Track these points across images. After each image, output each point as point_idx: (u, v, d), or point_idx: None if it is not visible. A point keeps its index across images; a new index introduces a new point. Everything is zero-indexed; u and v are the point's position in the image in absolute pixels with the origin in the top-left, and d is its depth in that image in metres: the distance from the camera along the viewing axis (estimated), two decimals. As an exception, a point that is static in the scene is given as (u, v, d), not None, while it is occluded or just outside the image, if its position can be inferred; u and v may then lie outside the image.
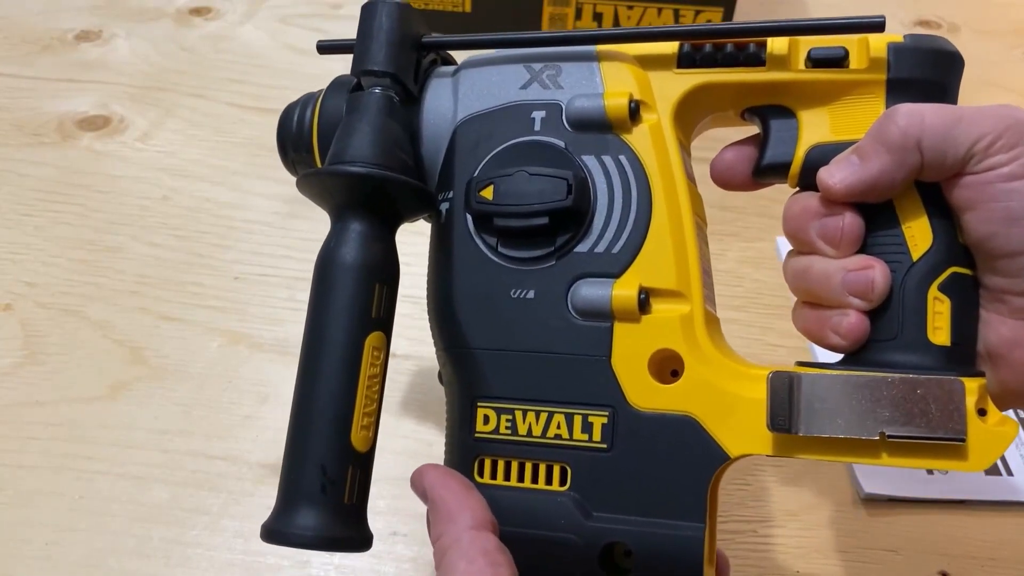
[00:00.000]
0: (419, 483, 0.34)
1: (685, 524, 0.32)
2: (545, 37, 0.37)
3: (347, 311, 0.33)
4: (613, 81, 0.36)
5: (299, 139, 0.40)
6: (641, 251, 0.34)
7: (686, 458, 0.33)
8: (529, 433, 0.34)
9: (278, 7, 0.92)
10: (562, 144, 0.36)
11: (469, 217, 0.36)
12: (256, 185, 0.69)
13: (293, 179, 0.41)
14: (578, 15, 0.85)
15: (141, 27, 0.88)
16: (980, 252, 0.32)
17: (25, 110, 0.77)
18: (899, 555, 0.47)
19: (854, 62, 0.34)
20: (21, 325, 0.58)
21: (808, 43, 0.34)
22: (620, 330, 0.34)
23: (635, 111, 0.35)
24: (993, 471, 0.50)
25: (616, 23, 0.85)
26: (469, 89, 0.37)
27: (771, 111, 0.36)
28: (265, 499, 0.49)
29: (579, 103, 0.36)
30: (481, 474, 0.35)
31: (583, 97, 0.36)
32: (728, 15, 0.84)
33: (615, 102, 0.35)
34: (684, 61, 0.36)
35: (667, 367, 0.34)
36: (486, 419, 0.35)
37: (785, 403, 0.31)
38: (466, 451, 0.35)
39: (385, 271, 0.35)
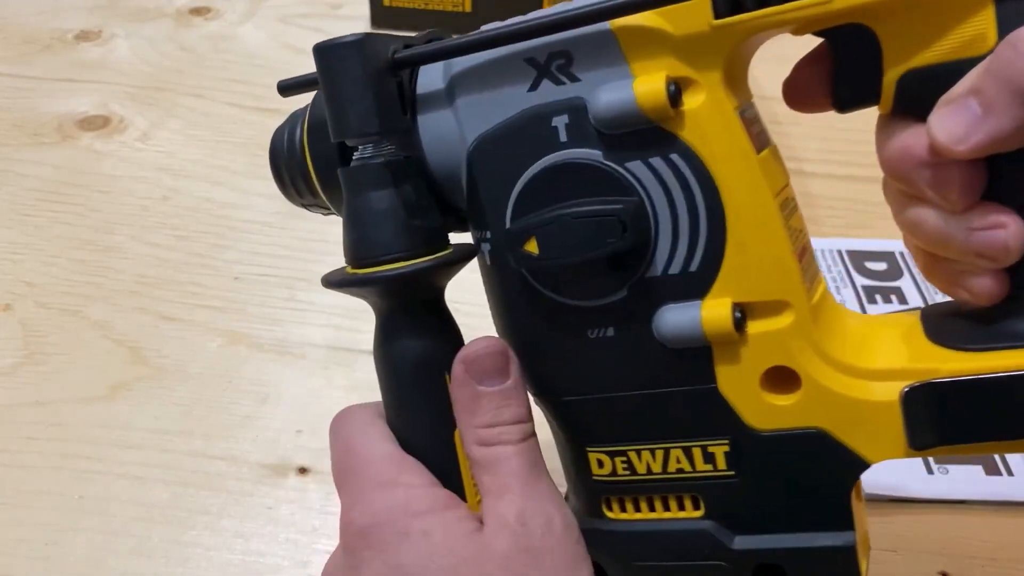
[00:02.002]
0: None
1: (835, 534, 0.30)
2: (539, 25, 0.28)
3: (427, 418, 0.32)
4: (640, 61, 0.28)
5: (292, 160, 0.36)
6: (724, 262, 0.29)
7: (822, 470, 0.30)
8: (649, 472, 0.31)
9: (278, 7, 0.92)
10: (599, 156, 0.29)
11: None
12: (256, 185, 0.69)
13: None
14: (578, 15, 0.85)
15: (141, 27, 0.88)
16: None
17: (25, 110, 0.77)
18: (899, 555, 0.47)
19: None
20: (21, 325, 0.58)
21: None
22: (720, 354, 0.29)
23: (676, 95, 0.28)
24: (993, 471, 0.50)
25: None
26: (469, 103, 0.31)
27: (844, 33, 0.28)
28: (265, 499, 0.49)
29: (605, 99, 0.28)
30: (611, 509, 0.33)
31: (607, 89, 0.28)
32: None
33: (648, 88, 0.28)
34: (722, 8, 0.27)
35: (783, 380, 0.30)
36: (600, 463, 0.32)
37: (923, 420, 0.28)
38: (589, 492, 0.33)
39: (447, 356, 0.32)
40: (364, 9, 0.88)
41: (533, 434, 0.31)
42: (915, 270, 0.59)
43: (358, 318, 0.59)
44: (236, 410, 0.54)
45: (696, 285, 0.29)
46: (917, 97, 0.27)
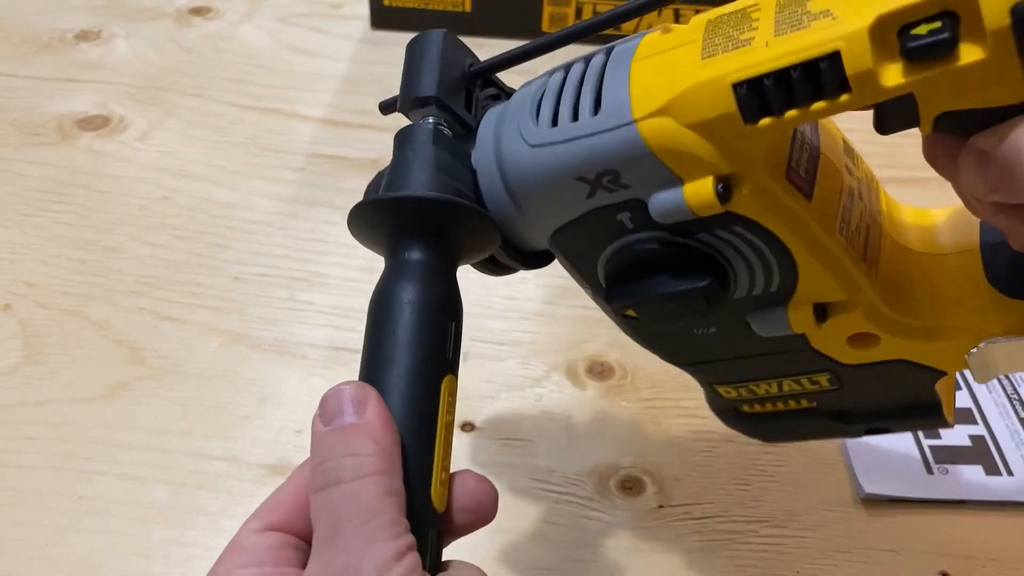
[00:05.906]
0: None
1: (922, 405, 0.36)
2: (577, 30, 0.34)
3: (422, 352, 0.30)
4: (683, 165, 0.29)
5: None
6: (798, 285, 0.32)
7: (910, 378, 0.35)
8: (768, 393, 0.39)
9: (278, 7, 0.92)
10: (667, 235, 0.31)
11: None
12: (256, 185, 0.69)
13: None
14: (578, 15, 0.85)
15: (141, 27, 0.88)
16: None
17: (25, 110, 0.77)
18: (899, 555, 0.47)
19: (964, 53, 0.24)
20: (21, 325, 0.58)
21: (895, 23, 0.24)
22: (809, 333, 0.34)
23: (725, 193, 0.29)
24: (993, 471, 0.50)
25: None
26: (534, 209, 0.33)
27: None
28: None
29: (658, 205, 0.30)
30: (745, 409, 0.40)
31: (659, 197, 0.30)
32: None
33: (697, 193, 0.29)
34: (749, 115, 0.27)
35: (866, 338, 0.34)
36: (728, 391, 0.39)
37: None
38: (725, 404, 0.41)
39: (456, 308, 0.32)
40: (364, 9, 0.88)
41: (385, 471, 0.27)
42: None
43: (358, 318, 0.59)
44: (236, 410, 0.54)
45: (778, 297, 0.33)
46: (953, 130, 0.26)
